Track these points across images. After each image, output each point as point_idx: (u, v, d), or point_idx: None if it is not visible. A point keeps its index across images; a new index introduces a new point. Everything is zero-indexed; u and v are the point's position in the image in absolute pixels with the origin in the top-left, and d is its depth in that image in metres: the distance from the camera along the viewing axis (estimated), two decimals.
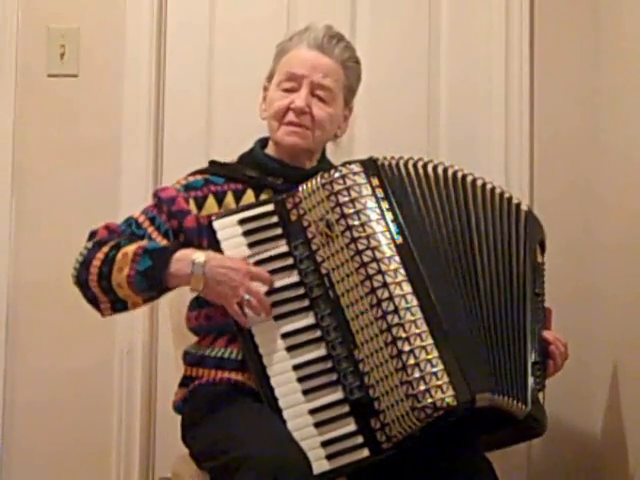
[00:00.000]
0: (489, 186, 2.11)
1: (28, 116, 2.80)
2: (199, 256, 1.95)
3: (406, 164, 2.05)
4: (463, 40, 2.83)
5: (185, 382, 2.14)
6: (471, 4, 2.84)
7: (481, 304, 1.98)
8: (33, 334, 2.77)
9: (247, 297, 1.93)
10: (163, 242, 2.07)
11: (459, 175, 2.09)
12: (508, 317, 2.00)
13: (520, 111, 2.77)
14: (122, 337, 2.73)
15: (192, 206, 2.11)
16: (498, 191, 2.12)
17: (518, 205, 2.14)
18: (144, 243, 2.01)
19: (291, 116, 2.14)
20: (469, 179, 2.10)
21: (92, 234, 2.10)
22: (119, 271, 1.97)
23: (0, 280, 2.77)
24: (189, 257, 1.95)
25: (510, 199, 2.13)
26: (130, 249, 1.98)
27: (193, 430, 2.07)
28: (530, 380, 1.99)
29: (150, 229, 2.09)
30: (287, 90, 2.16)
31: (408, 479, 1.96)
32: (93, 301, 2.04)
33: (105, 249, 2.01)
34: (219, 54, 2.85)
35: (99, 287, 2.00)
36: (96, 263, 2.00)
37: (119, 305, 2.03)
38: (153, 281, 1.96)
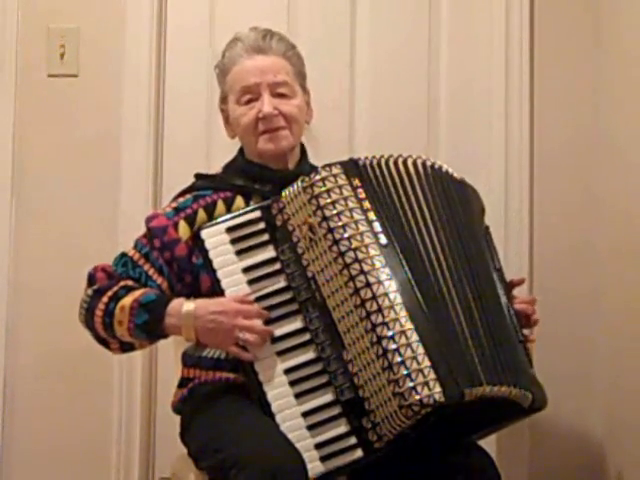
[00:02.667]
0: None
1: (28, 116, 2.80)
2: (187, 307, 1.98)
3: (387, 163, 2.03)
4: (463, 40, 2.82)
5: (183, 383, 2.15)
6: (471, 4, 2.84)
7: (475, 301, 1.97)
8: (33, 334, 2.77)
9: (242, 337, 1.95)
10: (159, 279, 2.08)
11: (443, 168, 2.09)
12: (491, 309, 1.99)
13: (520, 111, 2.77)
14: None
15: (182, 230, 2.10)
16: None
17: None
18: (139, 294, 2.02)
19: (264, 125, 2.13)
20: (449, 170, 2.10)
21: (90, 277, 2.11)
22: (119, 324, 2.01)
23: (0, 279, 2.77)
24: (179, 309, 1.98)
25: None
26: (127, 302, 2.00)
27: (190, 429, 2.09)
28: (525, 362, 2.00)
29: (146, 267, 2.10)
30: (248, 102, 2.15)
31: (410, 477, 1.97)
32: (103, 343, 2.09)
33: (105, 299, 2.03)
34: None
35: (106, 333, 2.05)
36: (99, 313, 2.03)
37: (127, 346, 2.08)
38: (151, 333, 2.01)
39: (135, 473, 2.74)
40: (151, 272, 2.09)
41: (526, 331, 2.09)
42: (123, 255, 2.13)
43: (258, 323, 1.95)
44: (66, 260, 2.72)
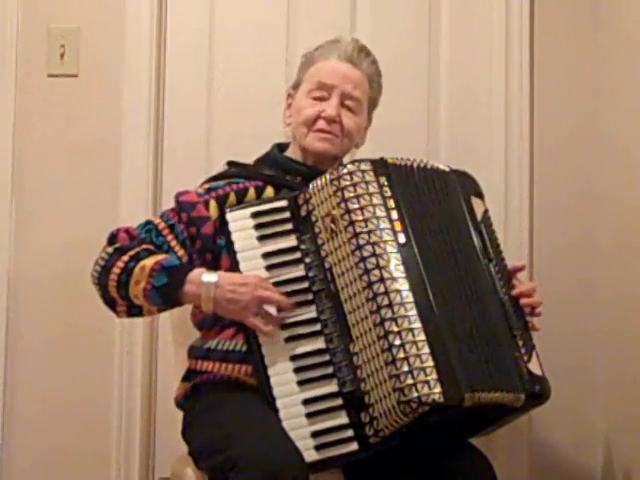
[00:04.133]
0: None
1: (28, 116, 2.80)
2: (209, 277, 2.00)
3: (418, 166, 2.07)
4: (463, 41, 2.83)
5: (188, 376, 2.15)
6: (471, 4, 2.84)
7: (471, 303, 1.99)
8: (33, 334, 2.76)
9: (264, 307, 1.97)
10: (180, 252, 2.11)
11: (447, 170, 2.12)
12: (487, 310, 2.01)
13: (520, 111, 2.77)
14: (122, 337, 2.73)
15: (213, 210, 2.13)
16: None
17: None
18: (161, 258, 2.04)
19: (322, 124, 2.18)
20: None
21: (112, 237, 2.13)
22: (136, 283, 2.01)
23: (0, 281, 2.77)
24: (200, 278, 2.00)
25: None
26: (148, 263, 2.02)
27: (192, 428, 2.09)
28: (521, 361, 2.00)
29: (169, 237, 2.12)
30: (317, 99, 2.20)
31: (407, 479, 1.97)
32: (110, 304, 2.09)
33: (125, 258, 2.04)
34: (219, 54, 2.84)
35: (117, 293, 2.05)
36: (116, 271, 2.04)
37: (135, 310, 2.09)
38: (167, 297, 2.02)
39: (135, 473, 2.74)
40: (173, 243, 2.11)
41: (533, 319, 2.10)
42: (148, 222, 2.16)
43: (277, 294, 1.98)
44: (66, 260, 2.72)
